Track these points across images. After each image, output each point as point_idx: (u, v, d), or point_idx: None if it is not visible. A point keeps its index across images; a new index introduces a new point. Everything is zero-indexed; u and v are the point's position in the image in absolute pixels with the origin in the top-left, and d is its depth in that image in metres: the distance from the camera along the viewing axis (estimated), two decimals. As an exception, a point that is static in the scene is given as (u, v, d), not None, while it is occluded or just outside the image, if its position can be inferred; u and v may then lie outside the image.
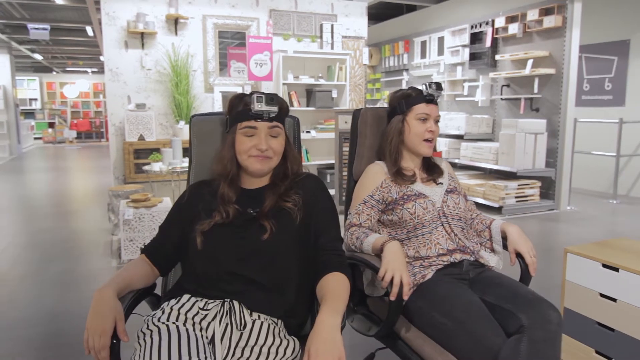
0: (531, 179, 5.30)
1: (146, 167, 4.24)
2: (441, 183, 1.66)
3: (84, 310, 2.68)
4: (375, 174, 1.64)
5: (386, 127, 1.71)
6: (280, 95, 5.26)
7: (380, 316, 1.60)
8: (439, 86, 1.64)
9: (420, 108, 1.63)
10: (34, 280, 3.22)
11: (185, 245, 1.29)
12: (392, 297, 1.30)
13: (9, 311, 2.71)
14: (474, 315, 1.30)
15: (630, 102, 5.93)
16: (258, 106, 1.25)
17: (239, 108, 1.29)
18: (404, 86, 7.57)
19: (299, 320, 1.28)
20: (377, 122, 1.77)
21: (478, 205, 5.37)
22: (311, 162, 5.68)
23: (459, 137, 6.01)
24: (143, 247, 1.34)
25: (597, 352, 1.84)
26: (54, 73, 17.21)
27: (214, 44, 5.39)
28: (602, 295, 1.81)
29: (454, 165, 6.36)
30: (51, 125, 16.16)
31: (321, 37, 5.81)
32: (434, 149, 1.69)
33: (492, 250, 1.66)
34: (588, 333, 1.87)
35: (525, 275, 1.56)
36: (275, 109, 1.27)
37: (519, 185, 5.16)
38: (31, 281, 3.20)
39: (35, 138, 15.41)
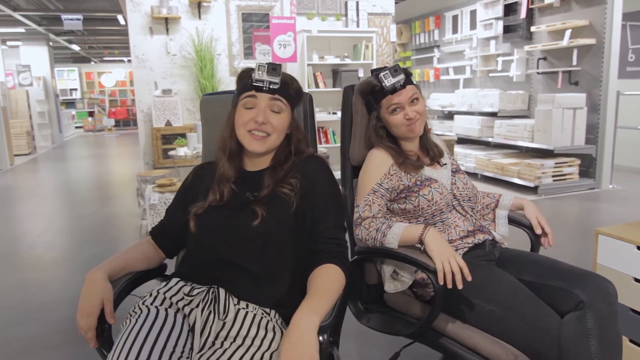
0: (570, 156, 5.02)
1: (172, 152, 4.29)
2: (445, 164, 1.56)
3: (109, 294, 2.74)
4: (382, 161, 1.47)
5: (368, 122, 1.54)
6: (305, 76, 5.24)
7: (403, 311, 1.48)
8: (396, 71, 1.44)
9: (388, 101, 1.46)
10: (66, 264, 3.32)
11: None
12: (449, 285, 1.20)
13: (40, 294, 2.81)
14: (521, 298, 1.24)
15: (681, 72, 5.52)
16: (259, 75, 1.20)
17: (244, 81, 1.26)
18: (435, 64, 7.33)
19: (293, 311, 1.16)
20: None
21: (512, 185, 5.17)
22: (338, 144, 5.58)
23: (493, 115, 5.77)
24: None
25: (631, 341, 1.71)
26: (92, 63, 17.68)
27: (238, 27, 5.33)
28: (636, 280, 1.67)
29: (487, 144, 6.13)
30: (91, 114, 16.70)
31: (346, 15, 5.65)
32: (426, 126, 1.55)
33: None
34: (622, 320, 1.71)
35: (537, 248, 1.54)
36: (277, 79, 1.21)
37: (556, 163, 4.91)
38: (63, 265, 3.30)
39: (77, 127, 15.93)
